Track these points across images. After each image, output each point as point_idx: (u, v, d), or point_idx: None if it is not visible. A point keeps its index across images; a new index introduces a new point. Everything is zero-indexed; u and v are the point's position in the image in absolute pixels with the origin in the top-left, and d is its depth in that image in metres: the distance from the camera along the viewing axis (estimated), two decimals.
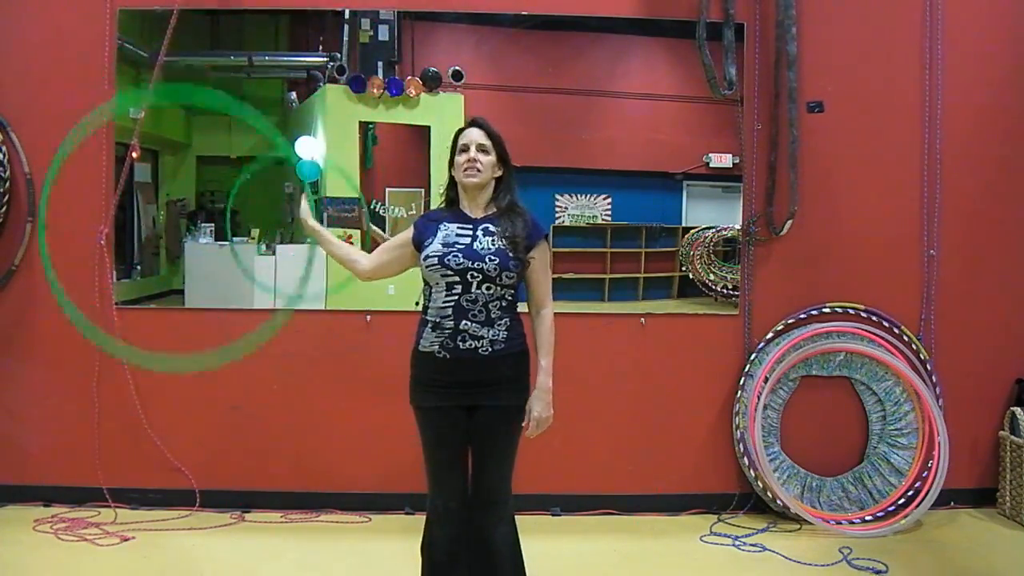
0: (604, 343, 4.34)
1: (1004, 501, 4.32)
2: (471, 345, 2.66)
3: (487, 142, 2.76)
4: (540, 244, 2.78)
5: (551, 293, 2.83)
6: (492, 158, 2.76)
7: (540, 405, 2.73)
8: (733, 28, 4.23)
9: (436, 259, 2.67)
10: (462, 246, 2.68)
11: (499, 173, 2.78)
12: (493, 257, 2.66)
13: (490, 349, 2.67)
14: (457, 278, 2.66)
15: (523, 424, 2.74)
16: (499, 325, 2.68)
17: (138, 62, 4.36)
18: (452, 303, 2.66)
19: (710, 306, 4.55)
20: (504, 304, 2.70)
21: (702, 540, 3.99)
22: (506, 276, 2.67)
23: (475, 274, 2.65)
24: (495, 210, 2.77)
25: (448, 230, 2.73)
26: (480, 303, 2.67)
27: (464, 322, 2.65)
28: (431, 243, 2.71)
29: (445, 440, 2.72)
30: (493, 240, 2.69)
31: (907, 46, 4.37)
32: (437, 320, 2.68)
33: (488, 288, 2.66)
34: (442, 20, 4.48)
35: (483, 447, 2.73)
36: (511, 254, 2.68)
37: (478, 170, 2.72)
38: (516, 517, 2.81)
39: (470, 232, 2.72)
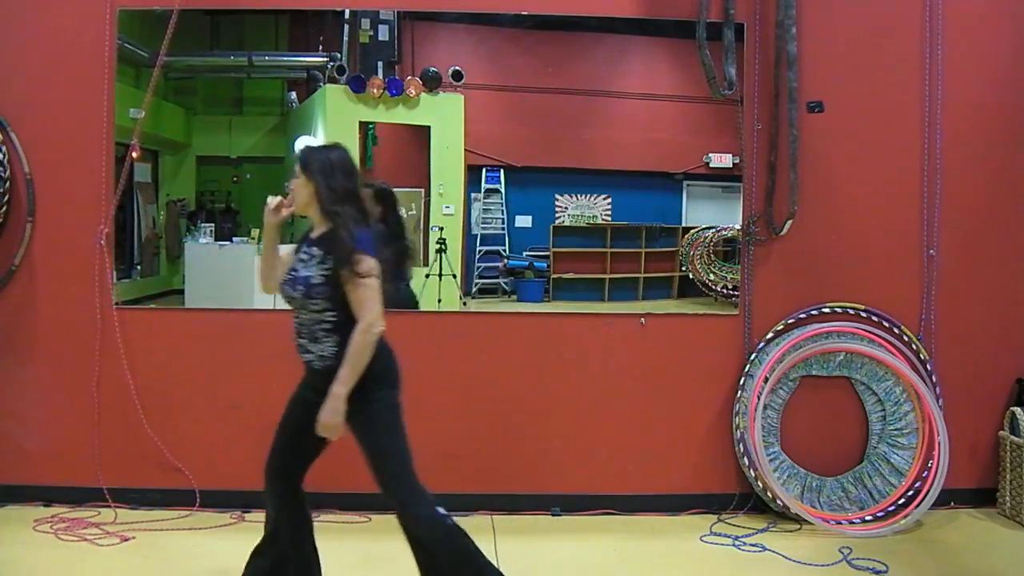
0: (604, 343, 4.34)
1: (1004, 501, 4.32)
2: (307, 358, 2.76)
3: (296, 167, 2.77)
4: (349, 263, 2.61)
5: (367, 308, 2.63)
6: (301, 181, 2.74)
7: (324, 411, 2.69)
8: (733, 28, 4.23)
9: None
10: (290, 274, 2.75)
11: (311, 188, 2.73)
12: (300, 286, 2.69)
13: (321, 365, 2.73)
14: (289, 305, 2.76)
15: (383, 428, 2.80)
16: (326, 342, 2.71)
17: (138, 62, 4.36)
18: (295, 323, 2.77)
19: (710, 306, 4.56)
20: (328, 327, 2.69)
21: (702, 540, 3.99)
22: (312, 304, 2.68)
23: (292, 301, 2.73)
24: (323, 230, 2.75)
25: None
26: (306, 326, 2.73)
27: (298, 339, 2.76)
28: None
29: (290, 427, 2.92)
30: (306, 265, 2.71)
31: (907, 46, 4.37)
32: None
33: (305, 314, 2.72)
34: (442, 20, 4.48)
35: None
36: (313, 280, 2.66)
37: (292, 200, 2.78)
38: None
39: (297, 257, 2.78)
